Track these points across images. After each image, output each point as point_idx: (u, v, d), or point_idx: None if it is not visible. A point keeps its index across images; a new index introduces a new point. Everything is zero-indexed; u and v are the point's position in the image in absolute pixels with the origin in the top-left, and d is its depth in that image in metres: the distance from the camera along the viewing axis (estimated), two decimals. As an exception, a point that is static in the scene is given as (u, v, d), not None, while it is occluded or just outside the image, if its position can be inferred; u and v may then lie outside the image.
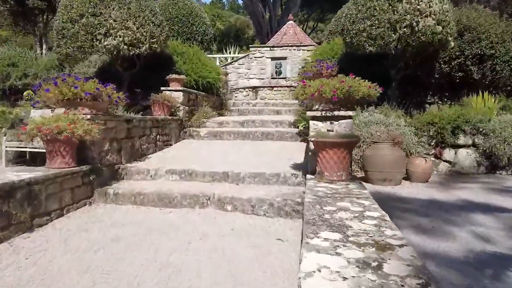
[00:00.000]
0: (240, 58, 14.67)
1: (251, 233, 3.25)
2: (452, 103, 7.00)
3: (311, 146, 4.12)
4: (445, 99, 7.47)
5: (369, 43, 5.75)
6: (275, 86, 12.87)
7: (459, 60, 6.82)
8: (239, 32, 38.41)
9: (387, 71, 6.79)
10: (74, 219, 3.69)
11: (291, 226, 3.43)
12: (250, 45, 15.00)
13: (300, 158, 5.33)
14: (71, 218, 3.70)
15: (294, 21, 17.87)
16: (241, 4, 46.03)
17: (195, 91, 8.04)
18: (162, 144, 6.38)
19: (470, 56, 6.84)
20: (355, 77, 4.02)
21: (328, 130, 4.12)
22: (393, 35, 5.48)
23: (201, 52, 9.29)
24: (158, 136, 6.20)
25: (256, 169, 4.63)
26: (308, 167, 4.34)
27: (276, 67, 14.35)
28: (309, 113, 4.27)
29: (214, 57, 17.13)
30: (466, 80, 6.98)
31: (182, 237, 3.15)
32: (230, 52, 19.05)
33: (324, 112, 4.07)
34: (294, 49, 14.24)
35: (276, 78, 14.34)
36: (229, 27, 39.06)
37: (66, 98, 4.11)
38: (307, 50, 14.11)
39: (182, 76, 7.46)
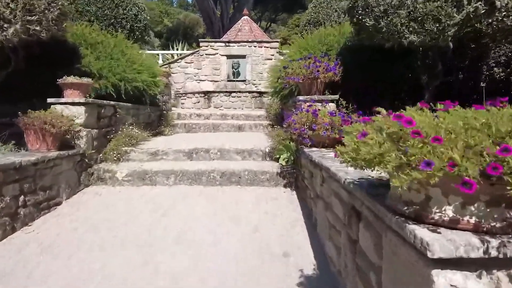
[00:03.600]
0: (188, 55, 11.76)
1: None
2: None
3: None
4: None
5: (412, 29, 3.28)
6: (233, 91, 10.18)
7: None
8: (188, 29, 35.57)
9: (414, 75, 4.43)
10: None
11: None
12: (200, 39, 12.14)
13: (304, 246, 2.72)
14: None
15: (249, 17, 15.30)
16: (189, 1, 43.62)
17: (113, 103, 5.09)
18: (35, 210, 3.40)
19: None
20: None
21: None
22: (456, 14, 3.09)
23: (128, 43, 6.31)
24: (23, 198, 3.22)
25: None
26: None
27: (233, 67, 11.67)
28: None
29: (155, 54, 14.00)
30: None
31: None
32: (177, 49, 16.06)
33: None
34: (255, 46, 11.67)
35: (233, 80, 11.65)
36: (178, 24, 36.31)
37: None
38: (271, 48, 11.63)
39: (86, 80, 4.49)
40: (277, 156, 4.68)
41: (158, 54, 13.65)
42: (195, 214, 3.39)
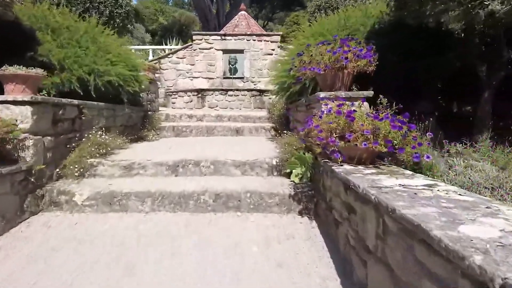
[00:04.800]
0: (179, 50, 10.65)
1: None
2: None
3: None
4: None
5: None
6: (229, 90, 9.08)
7: None
8: (184, 27, 34.66)
9: (467, 64, 3.38)
10: None
11: None
12: (194, 32, 11.02)
13: None
14: None
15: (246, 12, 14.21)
16: (185, 0, 42.86)
17: (78, 102, 3.97)
18: None
19: None
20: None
21: None
22: None
23: (105, 30, 5.18)
24: None
25: None
26: None
27: (230, 63, 10.59)
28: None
29: (145, 49, 12.88)
30: None
31: None
32: (171, 45, 14.98)
33: None
34: (254, 40, 10.60)
35: (230, 77, 10.56)
36: (173, 22, 35.62)
37: None
38: (272, 42, 10.57)
39: (35, 72, 3.37)
40: (288, 170, 3.60)
41: (148, 50, 12.54)
42: (174, 272, 2.29)
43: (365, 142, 2.38)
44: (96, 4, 6.23)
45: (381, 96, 2.77)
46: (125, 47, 5.66)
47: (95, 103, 4.36)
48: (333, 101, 2.78)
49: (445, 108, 3.89)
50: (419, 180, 2.00)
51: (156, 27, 36.46)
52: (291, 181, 3.52)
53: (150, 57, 11.54)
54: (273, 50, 10.58)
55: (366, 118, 2.56)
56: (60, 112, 3.64)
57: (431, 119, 3.81)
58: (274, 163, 3.77)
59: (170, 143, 5.28)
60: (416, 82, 3.82)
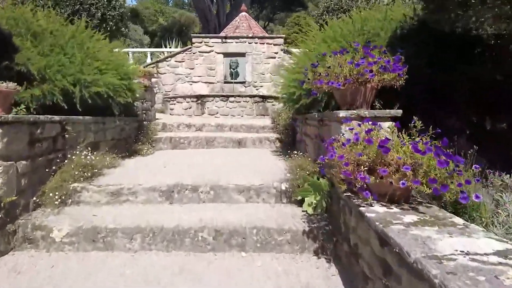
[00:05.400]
0: (178, 53, 10.19)
1: None
2: None
3: None
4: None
5: None
6: (231, 95, 8.61)
7: None
8: (183, 28, 34.36)
9: (506, 77, 2.91)
10: None
11: None
12: (193, 34, 10.55)
13: None
14: None
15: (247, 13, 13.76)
16: (185, 0, 42.67)
17: (60, 118, 3.50)
18: None
19: None
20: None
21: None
22: None
23: (95, 34, 4.70)
24: None
25: None
26: None
27: (231, 67, 10.12)
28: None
29: (143, 52, 12.44)
30: None
31: None
32: (170, 47, 14.54)
33: None
34: (256, 43, 10.14)
35: (231, 82, 10.10)
36: (173, 23, 35.39)
37: None
38: (275, 45, 10.10)
39: (6, 86, 2.91)
40: (299, 197, 3.13)
41: (146, 52, 12.09)
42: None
43: (404, 181, 1.91)
44: (87, 6, 5.76)
45: (414, 118, 2.29)
46: (118, 52, 5.19)
47: (81, 117, 3.89)
48: (359, 125, 2.30)
49: (477, 125, 3.42)
50: (483, 240, 1.53)
51: (156, 28, 36.14)
52: (303, 210, 3.06)
53: (148, 60, 11.10)
54: (276, 53, 10.11)
55: (401, 146, 2.08)
56: (38, 131, 3.17)
57: (457, 136, 3.34)
58: (283, 188, 3.29)
59: (166, 158, 4.81)
60: (444, 95, 3.35)
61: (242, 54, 10.19)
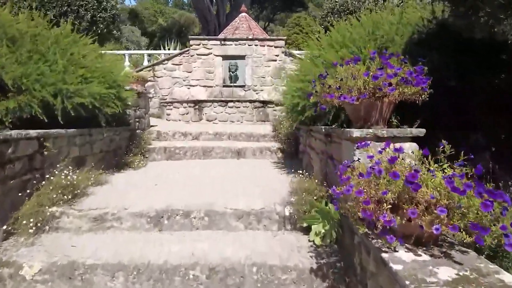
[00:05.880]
0: (175, 56, 9.84)
1: None
2: None
3: None
4: None
5: None
6: (230, 100, 8.24)
7: None
8: (183, 28, 34.09)
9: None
10: None
11: None
12: (191, 36, 10.19)
13: None
14: None
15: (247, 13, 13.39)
16: (185, 1, 42.51)
17: (37, 133, 3.13)
18: None
19: None
20: None
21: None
22: None
23: (78, 38, 4.33)
24: None
25: None
26: None
27: (230, 70, 9.76)
28: None
29: (140, 54, 12.09)
30: None
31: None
32: (169, 49, 14.20)
33: None
34: (256, 45, 9.77)
35: (230, 86, 9.74)
36: (172, 24, 35.13)
37: None
38: (275, 47, 9.74)
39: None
40: (305, 224, 2.76)
41: (143, 54, 11.74)
42: None
43: (438, 226, 1.54)
44: (75, 7, 5.39)
45: (440, 140, 1.92)
46: (107, 56, 4.82)
47: (63, 130, 3.52)
48: (380, 151, 1.93)
49: (505, 142, 3.06)
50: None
51: (156, 29, 35.87)
52: (310, 240, 2.69)
53: (146, 63, 10.73)
54: (277, 56, 9.75)
55: (432, 178, 1.72)
56: (10, 150, 2.81)
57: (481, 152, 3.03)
58: (287, 213, 2.92)
59: (158, 172, 4.45)
60: (466, 107, 2.99)
61: (242, 57, 9.82)
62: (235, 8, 22.85)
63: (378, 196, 1.70)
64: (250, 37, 10.10)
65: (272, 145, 5.67)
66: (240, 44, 9.86)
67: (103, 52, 4.70)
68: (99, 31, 5.56)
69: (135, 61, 12.10)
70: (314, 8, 35.99)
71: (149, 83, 9.74)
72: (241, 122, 8.00)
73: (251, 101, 8.17)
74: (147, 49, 22.81)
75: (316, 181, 2.97)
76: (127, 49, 14.26)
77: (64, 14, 5.20)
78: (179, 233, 2.86)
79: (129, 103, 5.01)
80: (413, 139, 2.37)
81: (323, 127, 3.19)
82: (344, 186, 1.87)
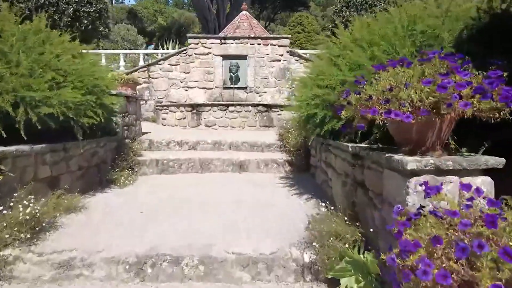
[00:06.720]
0: (172, 55, 9.19)
1: None
2: None
3: None
4: None
5: None
6: (230, 104, 7.57)
7: None
8: (182, 28, 33.55)
9: None
10: None
11: None
12: (189, 35, 9.52)
13: None
14: None
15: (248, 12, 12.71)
16: (185, 1, 41.95)
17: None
18: None
19: None
20: None
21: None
22: None
23: (52, 35, 3.66)
24: None
25: None
26: None
27: (230, 71, 9.10)
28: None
29: (136, 53, 11.45)
30: None
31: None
32: (167, 48, 13.57)
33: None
34: (259, 44, 9.12)
35: (231, 87, 9.09)
36: (172, 23, 34.63)
37: None
38: (279, 46, 9.08)
39: None
40: (330, 275, 2.10)
41: (139, 55, 11.09)
42: None
43: None
44: (54, 1, 4.69)
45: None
46: (91, 56, 4.17)
47: (27, 147, 2.86)
48: (462, 189, 1.28)
49: None
50: None
51: (155, 28, 35.34)
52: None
53: (141, 63, 10.08)
54: (281, 55, 9.08)
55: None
56: None
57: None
58: (307, 259, 2.26)
59: (147, 193, 3.79)
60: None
61: (243, 57, 9.15)
62: (235, 8, 22.20)
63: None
64: (251, 35, 9.44)
65: (279, 156, 5.00)
66: (241, 43, 9.20)
67: (84, 51, 4.04)
68: (82, 28, 4.89)
69: (132, 61, 11.46)
70: (315, 7, 35.35)
71: (144, 85, 9.10)
72: (243, 128, 7.33)
73: (253, 105, 7.50)
74: (146, 48, 22.16)
75: (346, 218, 2.30)
76: (124, 49, 13.61)
77: (41, 8, 4.55)
78: (166, 286, 2.20)
79: (116, 109, 4.35)
80: (484, 172, 1.72)
81: (349, 145, 2.53)
82: (411, 257, 1.21)
